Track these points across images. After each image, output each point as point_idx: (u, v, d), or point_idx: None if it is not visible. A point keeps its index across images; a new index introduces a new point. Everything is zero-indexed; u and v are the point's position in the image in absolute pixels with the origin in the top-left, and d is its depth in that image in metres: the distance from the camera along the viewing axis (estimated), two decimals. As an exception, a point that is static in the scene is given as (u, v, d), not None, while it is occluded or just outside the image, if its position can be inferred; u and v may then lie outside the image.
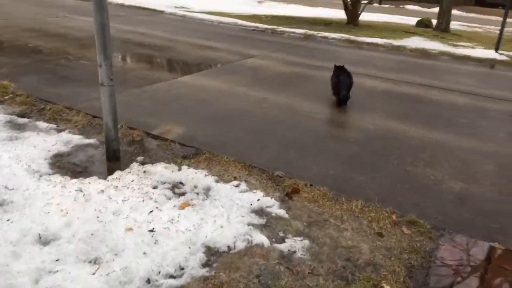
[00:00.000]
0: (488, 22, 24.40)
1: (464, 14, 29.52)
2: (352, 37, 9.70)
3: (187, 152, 3.09)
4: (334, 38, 9.58)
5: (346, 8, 15.01)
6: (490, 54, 8.77)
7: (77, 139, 3.20)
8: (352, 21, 14.78)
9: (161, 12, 11.87)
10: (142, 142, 3.28)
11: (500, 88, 5.99)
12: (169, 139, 3.33)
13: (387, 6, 39.11)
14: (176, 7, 15.72)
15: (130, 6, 12.43)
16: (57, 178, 2.54)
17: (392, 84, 5.74)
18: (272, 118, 4.01)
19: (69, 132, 3.30)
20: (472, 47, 10.05)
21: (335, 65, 4.87)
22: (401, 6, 41.21)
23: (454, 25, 15.86)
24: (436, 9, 38.00)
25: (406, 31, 14.02)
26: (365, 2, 15.97)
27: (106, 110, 2.84)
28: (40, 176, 2.56)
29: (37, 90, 4.16)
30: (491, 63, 8.20)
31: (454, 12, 16.10)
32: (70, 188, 2.42)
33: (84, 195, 2.35)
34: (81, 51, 5.95)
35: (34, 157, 2.78)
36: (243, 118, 3.96)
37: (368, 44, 9.18)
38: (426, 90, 5.51)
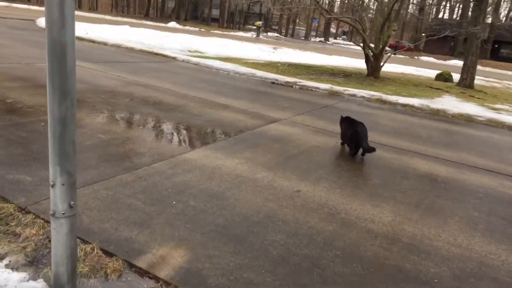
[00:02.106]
0: (505, 77, 23.58)
1: (480, 68, 29.01)
2: (384, 96, 8.67)
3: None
4: (363, 97, 8.54)
5: (367, 60, 14.20)
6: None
7: (16, 280, 2.03)
8: (374, 73, 13.95)
9: (173, 58, 11.05)
10: (120, 283, 2.10)
11: None
12: (162, 280, 2.15)
13: (402, 56, 38.84)
14: (190, 51, 15.07)
15: (141, 51, 11.66)
16: None
17: (455, 168, 4.56)
18: (312, 232, 2.82)
19: (9, 263, 2.15)
20: (518, 113, 8.96)
21: (342, 116, 4.93)
22: (415, 57, 41.01)
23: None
24: (451, 62, 37.60)
25: (430, 87, 13.16)
26: (388, 54, 15.21)
27: (58, 256, 1.70)
28: None
29: (-10, 175, 3.05)
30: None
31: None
32: None
33: None
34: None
35: None
36: (270, 231, 2.77)
37: (404, 106, 8.12)
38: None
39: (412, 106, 8.08)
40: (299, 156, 4.38)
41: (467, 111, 8.17)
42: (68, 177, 1.62)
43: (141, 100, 5.84)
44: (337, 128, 5.55)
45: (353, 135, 4.49)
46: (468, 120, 7.55)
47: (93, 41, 12.31)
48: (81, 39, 12.66)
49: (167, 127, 4.85)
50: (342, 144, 4.92)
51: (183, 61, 10.91)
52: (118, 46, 11.93)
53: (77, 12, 32.41)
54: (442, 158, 4.88)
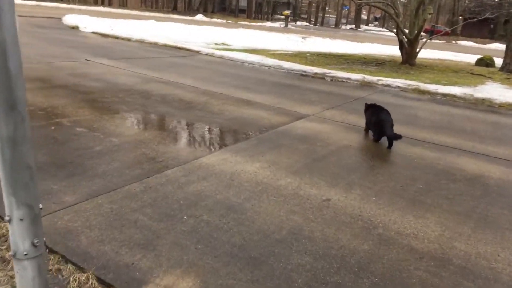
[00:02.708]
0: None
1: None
2: (422, 86, 8.02)
3: None
4: (399, 87, 7.93)
5: (401, 46, 13.43)
6: None
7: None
8: (409, 60, 13.18)
9: (197, 52, 10.72)
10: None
11: None
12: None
13: (438, 41, 37.07)
14: (216, 44, 14.74)
15: (164, 46, 11.41)
16: None
17: (509, 168, 3.99)
18: (344, 252, 2.40)
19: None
20: None
21: (366, 104, 4.79)
22: (453, 42, 39.08)
23: None
24: (492, 45, 35.64)
25: (471, 73, 12.29)
26: (423, 39, 14.35)
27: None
28: None
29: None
30: None
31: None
32: None
33: None
34: (84, 111, 4.64)
35: None
36: (294, 252, 2.37)
37: (444, 96, 7.46)
38: None
39: (454, 96, 7.41)
40: (329, 157, 3.93)
41: (516, 99, 7.42)
42: (28, 211, 1.28)
43: (160, 98, 5.52)
44: (371, 124, 5.05)
45: (377, 122, 4.38)
46: (518, 109, 6.83)
47: (117, 37, 12.18)
48: (105, 35, 12.56)
49: (184, 128, 4.51)
50: (366, 130, 4.82)
51: (207, 54, 10.58)
52: (141, 42, 11.73)
53: (106, 9, 32.81)
54: (492, 156, 4.30)
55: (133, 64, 7.90)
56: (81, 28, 13.43)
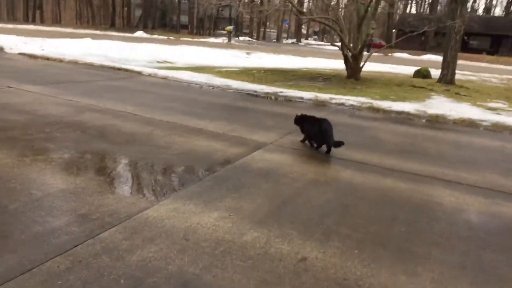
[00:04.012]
0: (477, 69, 23.29)
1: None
2: (374, 103, 7.85)
3: None
4: (352, 106, 7.69)
5: (346, 61, 13.47)
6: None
7: None
8: (354, 75, 13.25)
9: (138, 73, 9.95)
10: None
11: None
12: None
13: (375, 54, 38.50)
14: (158, 62, 14.01)
15: (101, 67, 10.52)
16: None
17: (487, 198, 3.70)
18: None
19: None
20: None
21: (297, 115, 4.99)
22: (389, 54, 40.81)
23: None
24: (424, 57, 37.56)
25: (413, 85, 12.60)
26: (368, 53, 14.52)
27: None
28: None
29: None
30: None
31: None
32: None
33: None
34: (-2, 154, 3.82)
35: None
36: None
37: (399, 113, 7.31)
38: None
39: (408, 113, 7.27)
40: (296, 198, 3.43)
41: (466, 114, 7.43)
42: None
43: (95, 132, 4.78)
44: (336, 152, 4.66)
45: (318, 133, 4.65)
46: (471, 125, 6.78)
47: (47, 58, 11.09)
48: (34, 56, 11.42)
49: (124, 169, 3.81)
50: (304, 141, 4.99)
51: (149, 75, 9.83)
52: (75, 63, 10.74)
53: (37, 27, 30.74)
54: (466, 184, 4.02)
55: (64, 89, 7.03)
56: (7, 50, 12.15)
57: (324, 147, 4.72)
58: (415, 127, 6.51)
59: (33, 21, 47.36)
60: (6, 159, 3.69)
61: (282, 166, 4.15)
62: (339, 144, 4.50)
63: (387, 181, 3.96)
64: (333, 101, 7.90)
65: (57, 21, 56.98)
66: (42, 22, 49.11)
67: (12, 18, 52.22)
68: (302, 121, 4.94)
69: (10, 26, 28.25)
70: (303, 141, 4.99)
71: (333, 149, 4.63)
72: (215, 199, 3.27)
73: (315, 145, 4.82)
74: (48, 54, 11.57)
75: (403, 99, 9.16)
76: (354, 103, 7.77)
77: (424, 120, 7.00)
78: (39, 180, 3.33)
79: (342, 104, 7.76)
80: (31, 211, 2.84)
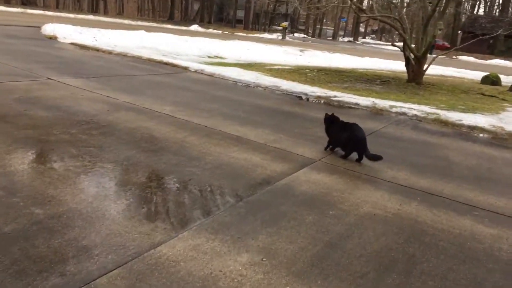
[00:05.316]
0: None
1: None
2: (442, 114, 6.89)
3: None
4: (416, 116, 6.77)
5: (407, 63, 12.37)
6: None
7: None
8: (415, 79, 12.13)
9: (185, 69, 9.53)
10: None
11: None
12: None
13: (440, 56, 36.15)
14: (209, 57, 13.65)
15: (148, 61, 10.23)
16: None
17: None
18: None
19: None
20: None
21: (327, 114, 4.52)
22: (453, 57, 38.24)
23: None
24: (492, 61, 34.79)
25: (482, 94, 11.29)
26: (434, 56, 13.26)
27: None
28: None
29: None
30: None
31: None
32: None
33: None
34: (9, 158, 3.42)
35: None
36: None
37: (471, 129, 6.31)
38: None
39: (482, 129, 6.26)
40: (347, 240, 2.73)
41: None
42: None
43: (125, 135, 4.31)
44: (399, 177, 3.89)
45: (349, 139, 4.15)
46: None
47: (97, 50, 10.98)
48: (84, 47, 11.37)
49: (145, 187, 3.26)
50: (328, 148, 4.49)
51: (195, 71, 9.38)
52: (123, 55, 10.53)
53: (98, 17, 31.66)
54: None
55: (105, 84, 6.71)
56: (60, 39, 12.23)
57: (354, 155, 4.26)
58: (492, 148, 5.53)
59: (97, 12, 49.18)
60: (17, 166, 3.28)
61: (330, 192, 3.46)
62: (377, 158, 4.06)
63: (464, 222, 3.16)
64: (394, 109, 7.02)
65: (120, 13, 59.01)
66: (106, 13, 50.90)
67: (77, 8, 54.57)
68: (330, 123, 4.46)
69: (72, 15, 29.22)
70: (326, 148, 4.51)
71: (394, 173, 3.87)
72: (247, 235, 2.65)
73: (342, 152, 4.35)
74: (99, 45, 11.48)
75: (473, 110, 8.09)
76: (418, 113, 6.85)
77: (502, 139, 5.97)
78: (46, 194, 2.87)
79: (404, 113, 6.87)
80: (27, 236, 2.37)
